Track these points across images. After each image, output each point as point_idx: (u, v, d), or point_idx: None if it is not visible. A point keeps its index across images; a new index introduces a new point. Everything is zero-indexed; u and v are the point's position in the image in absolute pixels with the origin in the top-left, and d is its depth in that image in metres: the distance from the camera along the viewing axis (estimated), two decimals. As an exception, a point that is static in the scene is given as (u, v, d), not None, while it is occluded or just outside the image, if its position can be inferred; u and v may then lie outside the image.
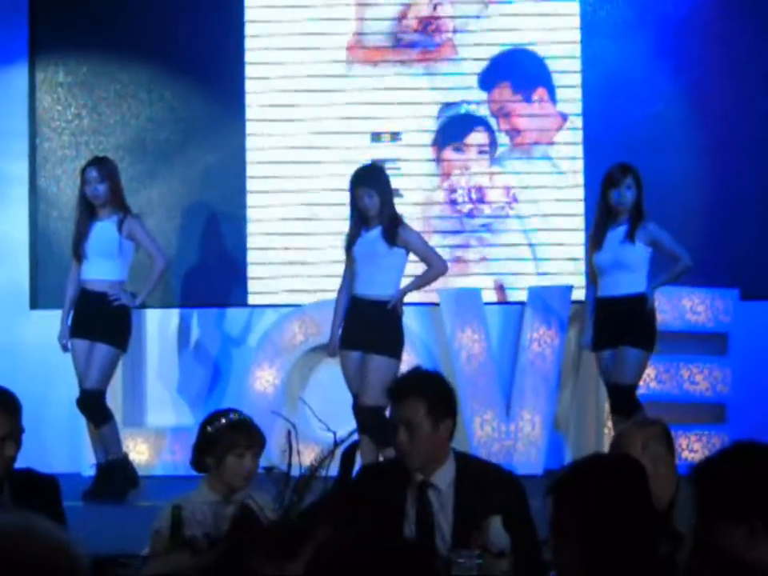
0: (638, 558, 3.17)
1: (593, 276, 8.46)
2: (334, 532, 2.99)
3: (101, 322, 8.43)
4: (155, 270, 8.57)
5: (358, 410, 7.93)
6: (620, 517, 3.20)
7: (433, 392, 4.91)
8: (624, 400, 8.16)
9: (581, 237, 9.68)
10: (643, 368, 8.30)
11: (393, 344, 8.04)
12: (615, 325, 8.21)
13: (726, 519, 3.30)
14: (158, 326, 9.73)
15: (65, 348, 8.51)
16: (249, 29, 10.01)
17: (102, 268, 8.50)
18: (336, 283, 8.40)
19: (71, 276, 8.60)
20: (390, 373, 7.84)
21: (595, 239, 8.38)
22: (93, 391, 8.38)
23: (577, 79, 9.90)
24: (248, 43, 10.01)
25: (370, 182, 8.09)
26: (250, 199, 9.95)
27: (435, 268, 8.23)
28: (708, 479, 3.40)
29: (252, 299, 9.97)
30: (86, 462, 8.76)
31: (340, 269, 8.41)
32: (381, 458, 7.36)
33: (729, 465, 3.40)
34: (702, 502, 3.40)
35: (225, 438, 4.94)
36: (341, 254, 8.40)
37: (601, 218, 8.38)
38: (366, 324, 8.02)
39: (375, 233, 8.05)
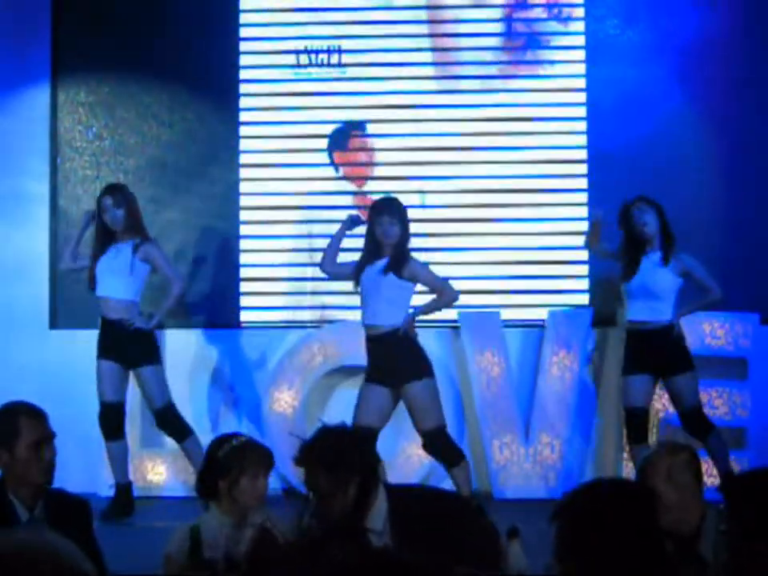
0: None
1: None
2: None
3: (131, 349, 8.50)
4: (172, 292, 8.63)
5: (422, 435, 8.01)
6: (620, 543, 3.18)
7: (334, 453, 4.82)
8: (697, 421, 8.30)
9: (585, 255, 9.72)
10: (697, 386, 8.39)
11: (421, 367, 8.02)
12: (655, 357, 8.35)
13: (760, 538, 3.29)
14: (176, 347, 9.71)
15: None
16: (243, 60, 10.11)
17: (112, 286, 8.52)
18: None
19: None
20: (432, 391, 7.97)
21: (629, 265, 8.46)
22: (165, 408, 8.52)
23: (582, 97, 9.91)
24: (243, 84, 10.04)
25: (394, 211, 8.13)
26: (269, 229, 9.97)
27: (447, 296, 8.25)
28: (741, 503, 3.39)
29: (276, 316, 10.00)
30: (104, 483, 8.73)
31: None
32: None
33: (759, 489, 3.39)
34: (734, 525, 3.39)
35: (237, 461, 4.93)
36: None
37: (628, 246, 8.44)
38: (390, 359, 8.01)
39: (382, 264, 8.07)
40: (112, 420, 8.49)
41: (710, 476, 8.36)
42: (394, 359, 7.99)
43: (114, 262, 8.47)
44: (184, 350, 9.76)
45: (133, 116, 10.12)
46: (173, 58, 10.06)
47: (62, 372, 9.08)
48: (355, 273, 8.20)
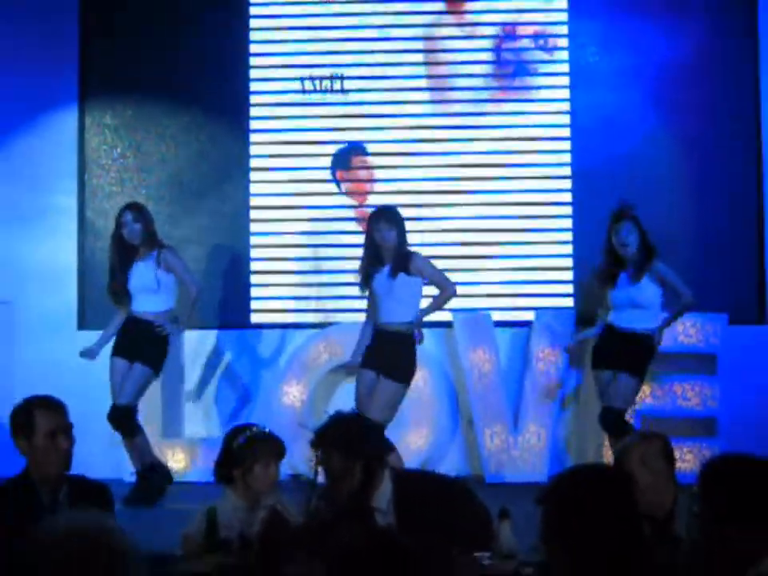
0: (624, 563, 3.13)
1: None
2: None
3: (142, 344, 8.45)
4: (190, 297, 8.58)
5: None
6: (600, 524, 3.15)
7: (345, 438, 4.90)
8: (614, 422, 8.19)
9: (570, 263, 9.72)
10: (634, 395, 8.34)
11: (404, 371, 8.03)
12: (618, 350, 8.27)
13: (731, 522, 3.27)
14: (194, 346, 9.71)
15: (85, 354, 8.59)
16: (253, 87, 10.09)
17: (147, 303, 8.50)
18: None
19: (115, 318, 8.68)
20: (398, 396, 8.00)
21: (607, 277, 8.41)
22: (125, 407, 8.38)
23: (566, 119, 9.91)
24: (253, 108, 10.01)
25: (391, 219, 8.13)
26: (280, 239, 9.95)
27: (447, 291, 8.24)
28: (713, 487, 3.37)
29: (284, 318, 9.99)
30: (127, 469, 8.71)
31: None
32: None
33: (731, 474, 3.37)
34: (706, 508, 3.36)
35: (251, 450, 4.95)
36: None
37: (609, 258, 8.38)
38: (385, 349, 8.05)
39: (388, 269, 8.09)
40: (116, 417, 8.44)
41: (684, 461, 8.38)
42: (390, 352, 8.02)
43: (143, 282, 8.45)
44: (201, 349, 9.80)
45: (153, 137, 10.13)
46: (189, 84, 10.08)
47: (89, 368, 9.03)
48: (363, 280, 8.22)
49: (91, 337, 9.48)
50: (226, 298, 10.02)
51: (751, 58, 9.79)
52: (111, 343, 8.57)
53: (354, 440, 4.87)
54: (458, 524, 4.66)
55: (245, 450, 4.94)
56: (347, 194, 10.08)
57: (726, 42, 9.84)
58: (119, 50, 10.08)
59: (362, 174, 10.10)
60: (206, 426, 9.42)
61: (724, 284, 9.59)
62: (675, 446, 4.63)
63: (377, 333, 8.15)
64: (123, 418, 8.38)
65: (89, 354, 8.57)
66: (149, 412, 8.74)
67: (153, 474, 8.39)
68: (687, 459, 8.46)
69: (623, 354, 8.23)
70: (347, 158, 10.08)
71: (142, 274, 8.48)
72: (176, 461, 9.11)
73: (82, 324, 9.93)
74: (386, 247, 8.07)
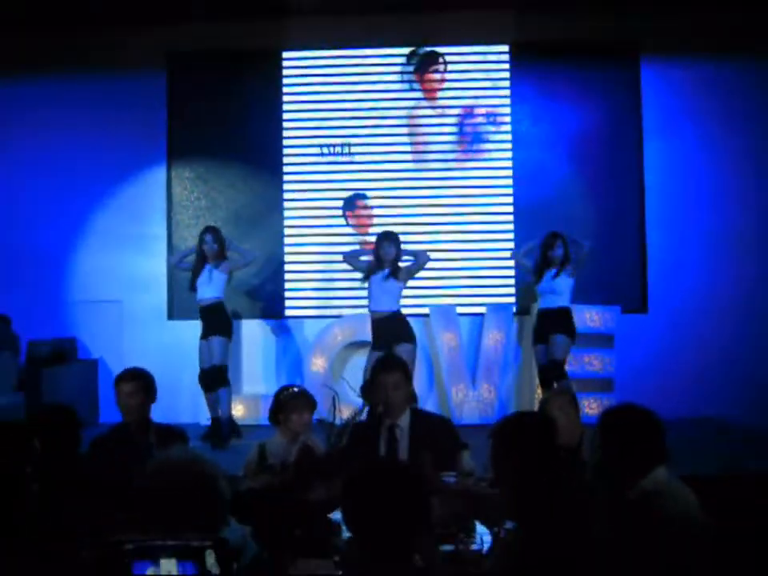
0: (549, 479, 3.17)
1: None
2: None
3: (214, 324, 8.33)
4: (247, 255, 8.68)
5: None
6: (531, 452, 3.20)
7: (405, 367, 4.98)
8: (555, 370, 8.13)
9: (513, 272, 9.70)
10: (568, 349, 8.27)
11: (408, 334, 7.96)
12: (549, 326, 8.23)
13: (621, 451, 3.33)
14: (250, 333, 9.71)
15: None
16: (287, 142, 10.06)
17: (207, 293, 8.41)
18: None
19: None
20: (413, 354, 7.86)
21: (538, 275, 8.39)
22: (218, 366, 8.27)
23: (510, 174, 9.89)
24: (285, 166, 10.04)
25: (391, 239, 8.15)
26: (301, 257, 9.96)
27: (420, 258, 8.24)
28: (610, 427, 3.42)
29: (311, 312, 9.95)
30: (204, 416, 8.73)
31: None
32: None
33: (622, 418, 3.42)
34: (604, 441, 3.41)
35: (291, 403, 4.95)
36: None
37: (542, 263, 8.38)
38: (389, 330, 7.96)
39: (385, 273, 8.05)
40: (206, 379, 8.38)
41: (590, 409, 8.42)
42: (394, 330, 7.95)
43: (209, 279, 8.41)
44: (256, 334, 9.76)
45: (220, 185, 10.11)
46: (242, 147, 10.02)
47: (177, 349, 9.08)
48: (366, 276, 8.19)
49: (177, 325, 9.58)
50: (266, 297, 10.00)
51: (636, 126, 9.80)
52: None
53: (408, 370, 4.99)
54: (445, 451, 4.64)
55: (287, 402, 4.95)
56: (354, 227, 10.00)
57: (618, 115, 9.84)
58: (194, 125, 10.05)
59: (364, 213, 10.02)
60: (260, 384, 9.42)
61: (618, 283, 9.59)
62: (584, 399, 4.73)
63: (374, 320, 8.06)
64: (219, 375, 8.28)
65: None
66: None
67: (226, 425, 8.32)
68: (592, 407, 8.45)
69: (553, 325, 8.21)
70: (353, 203, 10.02)
71: (210, 274, 8.40)
72: (237, 410, 9.08)
73: (170, 316, 9.91)
74: (386, 259, 8.08)
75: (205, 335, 8.36)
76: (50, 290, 9.94)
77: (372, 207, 10.00)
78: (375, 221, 9.91)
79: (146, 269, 9.90)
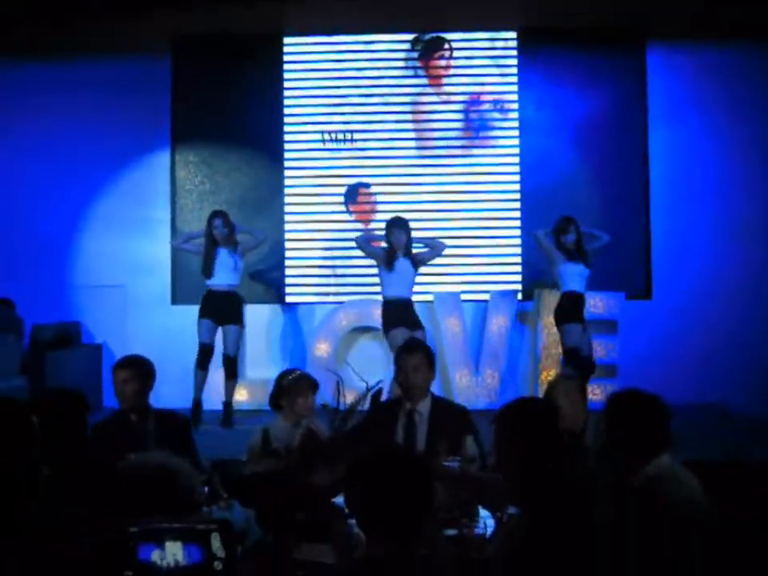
0: (553, 464, 3.18)
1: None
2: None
3: (233, 312, 8.42)
4: (258, 236, 8.85)
5: None
6: (537, 438, 3.21)
7: (429, 351, 4.95)
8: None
9: (518, 260, 9.68)
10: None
11: (421, 322, 8.08)
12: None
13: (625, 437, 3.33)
14: (253, 318, 9.67)
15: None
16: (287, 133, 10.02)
17: (226, 279, 8.47)
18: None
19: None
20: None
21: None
22: (232, 357, 8.41)
23: (517, 161, 9.86)
24: (286, 152, 10.02)
25: (402, 225, 8.13)
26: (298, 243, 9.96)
27: (437, 247, 8.37)
28: (615, 412, 3.42)
29: (312, 298, 9.94)
30: (209, 399, 8.69)
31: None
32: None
33: (627, 403, 3.43)
34: (609, 427, 3.41)
35: (295, 387, 4.95)
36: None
37: (560, 248, 8.26)
38: (405, 315, 8.02)
39: (406, 261, 8.07)
40: (205, 355, 8.38)
41: (594, 395, 8.43)
42: (413, 314, 8.06)
43: (225, 264, 8.45)
44: (260, 319, 9.72)
45: (224, 169, 10.12)
46: (245, 132, 9.99)
47: (181, 333, 9.08)
48: (386, 262, 8.14)
49: (181, 309, 9.57)
50: (268, 282, 9.98)
51: (642, 112, 9.77)
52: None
53: (432, 354, 4.99)
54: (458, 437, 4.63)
55: (291, 386, 4.94)
56: (356, 216, 9.93)
57: (624, 102, 9.82)
58: (198, 110, 10.04)
59: (366, 202, 9.96)
60: (264, 369, 9.39)
61: (623, 270, 9.57)
62: (588, 385, 4.72)
63: (396, 302, 8.06)
64: (233, 366, 8.43)
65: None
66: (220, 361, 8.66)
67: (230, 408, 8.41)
68: (596, 393, 8.42)
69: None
70: (355, 192, 9.95)
71: (225, 259, 8.45)
72: (241, 395, 9.09)
73: (174, 300, 9.91)
74: (398, 246, 8.06)
75: (220, 321, 8.38)
76: (54, 275, 9.95)
77: (375, 195, 9.95)
78: (378, 209, 9.89)
79: (150, 253, 9.90)
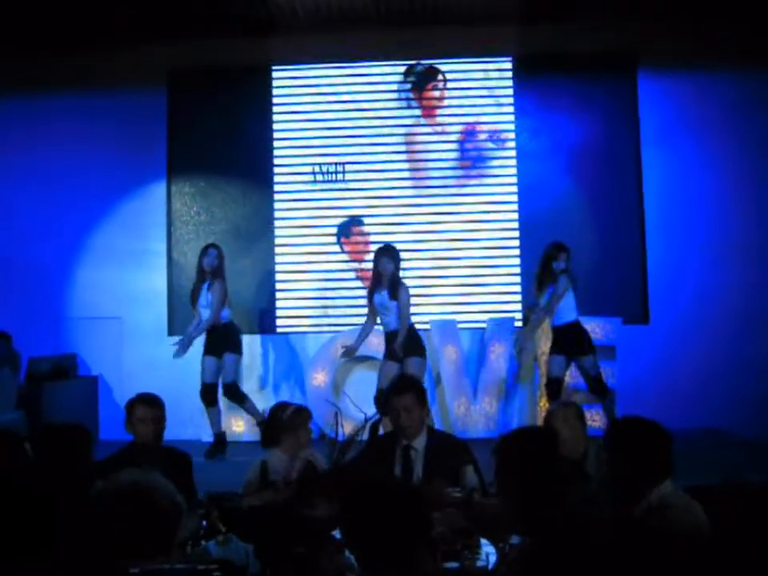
0: (554, 493, 3.15)
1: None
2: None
3: (224, 342, 8.29)
4: (203, 320, 8.29)
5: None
6: (537, 468, 3.18)
7: (419, 388, 4.89)
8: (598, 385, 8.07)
9: (518, 288, 9.65)
10: (596, 363, 8.13)
11: (417, 347, 7.79)
12: (569, 344, 8.08)
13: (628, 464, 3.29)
14: (246, 347, 9.61)
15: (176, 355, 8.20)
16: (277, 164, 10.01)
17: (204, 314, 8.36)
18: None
19: (194, 317, 8.53)
20: (423, 367, 7.76)
21: (539, 287, 8.20)
22: (232, 383, 8.33)
23: (515, 189, 9.86)
24: (276, 185, 10.00)
25: (389, 253, 7.94)
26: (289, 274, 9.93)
27: (402, 330, 7.74)
28: (617, 440, 3.38)
29: (308, 328, 9.92)
30: (206, 432, 8.68)
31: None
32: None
33: (629, 431, 3.39)
34: (612, 455, 3.37)
35: (297, 419, 4.90)
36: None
37: (542, 275, 8.17)
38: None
39: (385, 293, 7.86)
40: (210, 394, 8.35)
41: (593, 420, 8.38)
42: (407, 342, 7.79)
43: (205, 297, 8.35)
44: (254, 349, 9.67)
45: (219, 201, 10.12)
46: (239, 165, 10.05)
47: (177, 363, 9.03)
48: (369, 294, 8.03)
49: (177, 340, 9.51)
50: (259, 312, 9.96)
51: (634, 135, 9.82)
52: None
53: (424, 391, 4.91)
54: (455, 470, 4.59)
55: (293, 420, 4.89)
56: (349, 256, 9.92)
57: (616, 128, 9.87)
58: (193, 142, 10.09)
59: (360, 239, 9.92)
60: (260, 401, 9.38)
61: (620, 295, 9.58)
62: (587, 411, 4.67)
63: (385, 336, 7.93)
64: (234, 392, 8.33)
65: (179, 352, 8.19)
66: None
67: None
68: (595, 419, 8.43)
69: (573, 346, 8.06)
70: (348, 228, 9.93)
71: (205, 293, 8.35)
72: (237, 426, 9.08)
73: (171, 332, 9.87)
74: (384, 275, 7.94)
75: (216, 352, 8.30)
76: (50, 307, 9.93)
77: (368, 234, 9.92)
78: (372, 247, 9.86)
79: (146, 284, 9.89)
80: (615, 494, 3.33)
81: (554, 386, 8.06)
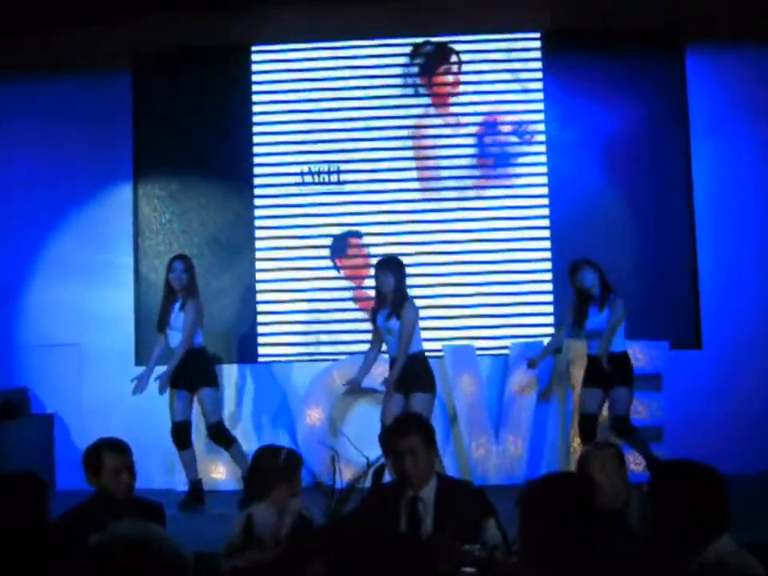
0: (589, 551, 3.15)
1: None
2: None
3: (198, 373, 8.28)
4: (176, 353, 8.27)
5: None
6: (570, 521, 3.19)
7: (425, 428, 4.87)
8: (622, 426, 8.08)
9: (550, 298, 9.67)
10: (630, 399, 8.16)
11: (427, 382, 7.86)
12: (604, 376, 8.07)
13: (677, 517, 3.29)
14: (229, 378, 9.64)
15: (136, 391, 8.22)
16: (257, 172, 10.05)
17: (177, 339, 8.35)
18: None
19: (157, 343, 8.53)
20: (431, 405, 7.80)
21: (580, 317, 8.21)
22: (217, 423, 8.32)
23: (545, 192, 9.86)
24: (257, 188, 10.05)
25: (388, 267, 7.96)
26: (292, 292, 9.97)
27: (401, 358, 7.84)
28: (664, 488, 3.38)
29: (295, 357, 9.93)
30: (180, 480, 8.68)
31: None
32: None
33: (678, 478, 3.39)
34: (659, 506, 3.37)
35: (290, 469, 4.86)
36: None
37: (578, 301, 8.22)
38: (405, 372, 7.84)
39: (388, 313, 7.90)
40: (182, 435, 8.33)
41: (636, 464, 8.37)
42: (415, 373, 7.84)
43: (179, 320, 8.33)
44: (237, 380, 9.71)
45: (195, 206, 10.15)
46: (216, 165, 10.06)
47: (145, 398, 9.04)
48: (372, 316, 8.08)
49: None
50: (238, 338, 9.99)
51: (683, 128, 9.80)
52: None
53: (432, 431, 4.90)
54: (469, 521, 4.58)
55: (285, 467, 4.85)
56: (345, 273, 9.90)
57: (660, 116, 9.85)
58: (164, 137, 10.13)
59: (358, 255, 9.88)
60: (242, 443, 9.40)
61: (666, 317, 9.57)
62: (628, 453, 4.68)
63: (390, 364, 7.98)
64: (220, 434, 8.32)
65: (138, 388, 8.21)
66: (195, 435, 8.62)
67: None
68: (638, 463, 8.41)
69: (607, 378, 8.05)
70: (344, 242, 9.92)
71: (176, 315, 8.33)
72: (218, 472, 9.06)
73: (139, 361, 9.80)
74: (385, 291, 7.96)
75: (188, 385, 8.29)
76: (-2, 333, 9.96)
77: (368, 247, 9.88)
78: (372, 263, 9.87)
79: (110, 305, 9.91)
80: (663, 551, 3.33)
81: (589, 424, 8.08)
